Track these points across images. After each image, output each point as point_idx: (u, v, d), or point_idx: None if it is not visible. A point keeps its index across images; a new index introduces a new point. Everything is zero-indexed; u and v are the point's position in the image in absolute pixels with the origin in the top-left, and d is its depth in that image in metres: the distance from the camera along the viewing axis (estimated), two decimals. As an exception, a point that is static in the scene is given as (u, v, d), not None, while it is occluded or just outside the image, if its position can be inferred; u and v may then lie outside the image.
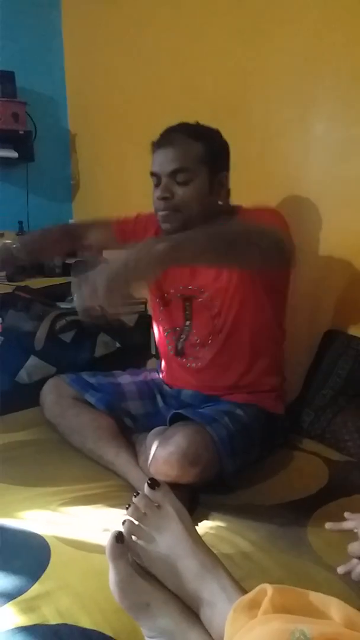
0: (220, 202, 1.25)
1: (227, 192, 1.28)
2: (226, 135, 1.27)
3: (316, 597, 0.63)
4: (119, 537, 0.73)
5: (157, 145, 1.24)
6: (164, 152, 1.22)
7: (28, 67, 2.32)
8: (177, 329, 1.36)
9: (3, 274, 2.21)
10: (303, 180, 1.52)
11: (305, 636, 0.55)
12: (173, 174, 1.20)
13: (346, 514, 0.81)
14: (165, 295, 1.37)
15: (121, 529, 0.77)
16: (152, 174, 1.24)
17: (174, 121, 1.26)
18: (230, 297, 1.26)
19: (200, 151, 1.20)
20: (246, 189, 1.37)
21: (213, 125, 1.26)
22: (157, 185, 1.24)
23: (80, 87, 2.44)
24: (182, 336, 1.34)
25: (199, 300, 1.30)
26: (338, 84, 1.42)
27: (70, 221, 2.39)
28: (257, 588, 0.64)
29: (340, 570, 0.76)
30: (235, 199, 1.34)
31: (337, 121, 1.44)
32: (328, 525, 0.81)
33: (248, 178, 1.36)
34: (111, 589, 0.72)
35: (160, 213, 1.23)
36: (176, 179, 1.20)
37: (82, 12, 2.33)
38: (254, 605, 0.63)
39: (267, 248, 1.04)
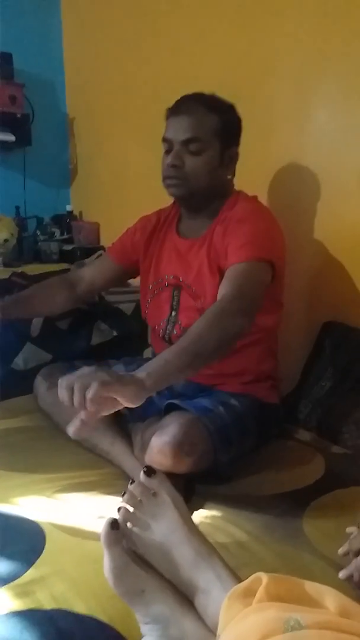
0: (229, 177, 1.28)
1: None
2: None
3: (311, 587, 0.63)
4: (113, 524, 0.73)
5: (173, 112, 1.24)
6: (179, 120, 1.22)
7: (26, 49, 2.28)
8: (164, 319, 1.35)
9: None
10: (303, 169, 1.51)
11: (299, 624, 0.55)
12: (186, 142, 1.21)
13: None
14: (154, 283, 1.37)
15: (116, 516, 0.77)
16: (165, 140, 1.25)
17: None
18: (208, 287, 1.25)
19: (214, 123, 1.22)
20: (247, 176, 1.36)
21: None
22: (168, 151, 1.25)
23: (78, 69, 2.41)
24: (168, 327, 1.34)
25: (185, 290, 1.30)
26: (340, 73, 1.40)
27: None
28: (252, 577, 0.64)
29: (342, 575, 0.76)
30: (237, 185, 1.33)
31: (338, 110, 1.43)
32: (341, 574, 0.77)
33: (249, 166, 1.35)
34: (106, 575, 0.72)
35: (168, 180, 1.25)
36: (188, 148, 1.21)
37: (82, -6, 2.29)
38: (249, 594, 0.63)
39: (238, 332, 1.03)
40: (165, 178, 1.26)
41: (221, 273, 1.21)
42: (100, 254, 2.23)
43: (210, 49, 1.73)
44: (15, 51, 2.22)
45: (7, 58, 2.19)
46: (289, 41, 1.50)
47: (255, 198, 1.33)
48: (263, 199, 1.53)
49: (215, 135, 1.22)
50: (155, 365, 0.89)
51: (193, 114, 1.21)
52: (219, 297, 1.11)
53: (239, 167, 1.30)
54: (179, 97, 1.27)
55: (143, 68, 2.02)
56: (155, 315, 1.38)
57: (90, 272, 1.52)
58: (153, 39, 1.96)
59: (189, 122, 1.21)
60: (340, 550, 0.82)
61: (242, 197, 1.32)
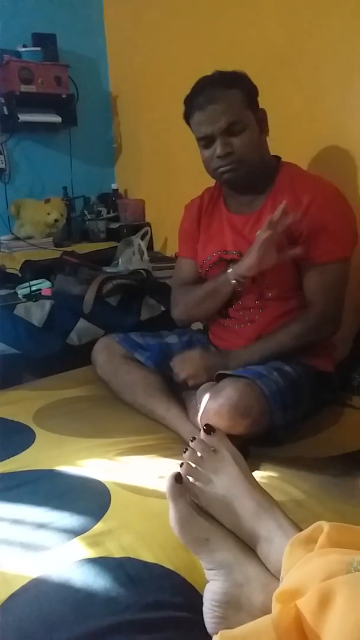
0: (267, 137, 1.29)
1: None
2: (273, 90, 1.26)
3: (372, 535, 0.65)
4: (177, 478, 0.77)
5: (197, 107, 1.23)
6: (211, 111, 1.21)
7: (69, 30, 2.32)
8: None
9: (50, 239, 2.26)
10: (350, 139, 1.47)
11: (363, 567, 0.57)
12: (228, 128, 1.21)
13: None
14: (207, 258, 1.38)
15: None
16: (202, 138, 1.25)
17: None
18: (274, 261, 1.25)
19: (240, 97, 1.22)
20: (292, 145, 1.35)
21: (260, 79, 1.23)
22: (208, 145, 1.25)
23: (121, 48, 2.41)
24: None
25: None
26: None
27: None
28: (314, 525, 0.66)
29: None
30: (283, 155, 1.32)
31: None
32: None
33: (294, 134, 1.34)
34: (172, 525, 0.76)
35: (222, 168, 1.24)
36: (231, 131, 1.21)
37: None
38: (311, 541, 0.65)
39: (329, 337, 1.32)
40: (215, 169, 1.26)
41: (290, 247, 1.22)
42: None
43: (252, 18, 1.69)
44: (59, 32, 2.25)
45: (51, 39, 2.23)
46: (337, 8, 1.45)
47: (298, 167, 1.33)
48: (310, 170, 1.51)
49: (245, 107, 1.22)
50: (246, 357, 1.24)
51: (219, 99, 1.20)
52: (308, 298, 1.26)
53: (281, 135, 1.29)
54: (224, 67, 1.26)
55: (185, 42, 2.01)
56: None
57: (192, 279, 1.47)
58: (194, 12, 1.94)
59: (222, 109, 1.20)
60: None
61: (293, 167, 1.31)
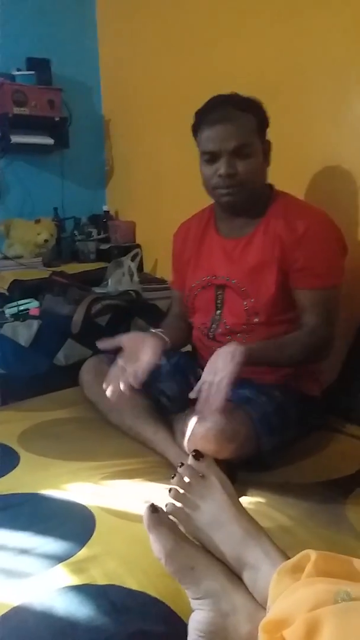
0: (267, 166, 1.30)
1: None
2: (264, 117, 1.27)
3: (359, 563, 0.65)
4: (153, 508, 0.76)
5: (209, 122, 1.23)
6: (222, 128, 1.21)
7: (63, 54, 2.35)
8: (210, 317, 1.37)
9: (39, 259, 2.27)
10: (341, 164, 1.51)
11: (349, 596, 0.57)
12: (236, 149, 1.21)
13: None
14: (197, 282, 1.39)
15: (160, 502, 0.80)
16: (207, 152, 1.24)
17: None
18: (263, 286, 1.27)
19: (253, 122, 1.23)
20: (284, 170, 1.37)
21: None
22: (211, 161, 1.24)
23: (114, 73, 2.46)
24: (213, 326, 1.36)
25: (233, 290, 1.32)
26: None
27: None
28: (301, 553, 0.66)
29: None
30: (273, 181, 1.34)
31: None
32: None
33: (286, 160, 1.36)
34: (157, 556, 0.75)
35: (223, 190, 1.25)
36: (239, 154, 1.21)
37: (116, -1, 2.34)
38: (298, 570, 0.65)
39: (315, 356, 1.27)
40: (215, 188, 1.25)
41: (281, 273, 1.25)
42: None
43: (246, 46, 1.74)
44: (53, 56, 2.29)
45: (45, 63, 2.27)
46: (326, 34, 1.50)
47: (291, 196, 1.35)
48: (299, 195, 1.54)
49: (255, 134, 1.23)
50: (255, 347, 1.16)
51: (232, 119, 1.21)
52: (305, 321, 1.24)
53: (275, 162, 1.31)
54: (215, 94, 1.29)
55: (178, 68, 2.06)
56: (199, 314, 1.40)
57: (180, 310, 1.50)
58: (187, 39, 1.99)
59: (233, 129, 1.20)
60: None
61: (284, 195, 1.34)
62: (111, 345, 1.23)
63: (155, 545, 0.75)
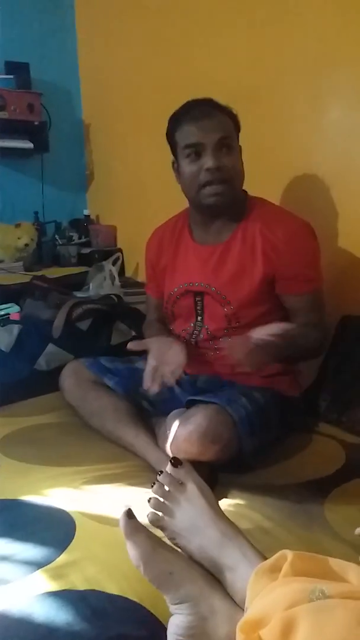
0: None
1: None
2: (243, 122, 1.29)
3: (335, 563, 0.66)
4: (129, 514, 0.76)
5: (194, 117, 1.23)
6: (206, 122, 1.22)
7: (42, 58, 2.35)
8: (191, 323, 1.38)
9: (20, 264, 2.25)
10: (318, 168, 1.53)
11: (324, 594, 0.58)
12: (220, 142, 1.22)
13: None
14: (174, 290, 1.39)
15: (140, 506, 0.80)
16: (190, 146, 1.23)
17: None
18: (242, 293, 1.29)
19: (230, 123, 1.26)
20: (262, 177, 1.39)
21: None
22: (195, 157, 1.23)
23: (94, 77, 2.46)
24: (194, 332, 1.37)
25: (212, 297, 1.32)
26: (355, 74, 1.42)
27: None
28: (278, 554, 0.67)
29: (357, 531, 0.78)
30: (251, 188, 1.36)
31: (352, 108, 1.45)
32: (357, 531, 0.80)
33: (263, 166, 1.38)
34: (134, 563, 0.74)
35: (211, 188, 1.24)
36: (223, 146, 1.23)
37: (95, 3, 2.34)
38: (275, 570, 0.66)
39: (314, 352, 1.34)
40: (204, 185, 1.24)
41: (263, 280, 1.27)
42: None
43: (224, 53, 1.76)
44: (32, 61, 2.28)
45: (24, 68, 2.26)
46: (303, 42, 1.52)
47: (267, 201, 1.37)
48: (277, 200, 1.56)
49: (235, 133, 1.27)
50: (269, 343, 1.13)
51: (214, 115, 1.23)
52: (300, 323, 1.26)
53: (253, 168, 1.33)
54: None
55: (157, 74, 2.07)
56: (180, 320, 1.41)
57: (159, 315, 1.51)
58: (166, 45, 2.00)
59: (217, 123, 1.22)
60: (357, 530, 0.83)
61: (261, 201, 1.35)
62: (140, 347, 1.28)
63: (132, 553, 0.75)
